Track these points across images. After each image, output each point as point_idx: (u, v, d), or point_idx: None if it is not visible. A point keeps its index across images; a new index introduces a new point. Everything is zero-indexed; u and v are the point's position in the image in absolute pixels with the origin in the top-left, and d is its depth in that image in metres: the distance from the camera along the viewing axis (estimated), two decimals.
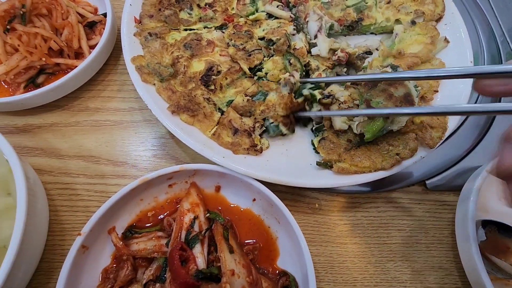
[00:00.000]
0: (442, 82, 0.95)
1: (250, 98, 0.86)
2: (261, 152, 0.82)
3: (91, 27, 1.03)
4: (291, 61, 0.93)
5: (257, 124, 0.84)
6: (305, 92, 0.87)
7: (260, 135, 0.86)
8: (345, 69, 0.98)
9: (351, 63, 0.99)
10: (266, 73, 0.92)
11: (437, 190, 0.93)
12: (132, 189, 0.74)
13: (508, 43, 1.25)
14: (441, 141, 0.80)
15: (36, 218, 0.70)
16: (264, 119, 0.85)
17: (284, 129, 0.84)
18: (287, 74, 0.87)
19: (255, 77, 0.93)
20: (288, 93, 0.84)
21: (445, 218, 0.89)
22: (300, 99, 0.86)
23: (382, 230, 0.87)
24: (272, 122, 0.84)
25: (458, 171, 0.95)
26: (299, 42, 0.95)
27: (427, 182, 0.93)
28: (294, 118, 0.87)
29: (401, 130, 0.81)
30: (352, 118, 0.84)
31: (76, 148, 0.90)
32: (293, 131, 0.87)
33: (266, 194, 0.76)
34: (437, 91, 0.93)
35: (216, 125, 0.85)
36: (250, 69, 0.92)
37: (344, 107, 0.84)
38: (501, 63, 1.22)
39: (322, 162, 0.80)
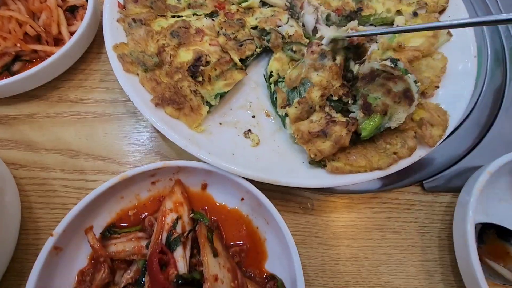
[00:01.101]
0: (444, 77, 0.90)
1: (299, 98, 0.78)
2: (357, 123, 0.75)
3: (73, 11, 0.96)
4: (293, 49, 0.87)
5: (327, 109, 0.77)
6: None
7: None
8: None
9: (358, 46, 0.93)
10: (280, 77, 0.87)
11: (435, 191, 0.89)
12: (112, 186, 0.69)
13: None
14: (442, 140, 0.75)
15: (4, 214, 0.65)
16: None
17: (349, 101, 0.78)
18: (311, 47, 0.78)
19: (272, 87, 0.88)
20: (333, 60, 0.76)
21: (443, 221, 0.85)
22: (338, 59, 0.78)
23: (377, 232, 0.83)
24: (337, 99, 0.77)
25: (457, 172, 0.91)
26: (290, 28, 0.89)
27: (424, 182, 0.89)
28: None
29: (399, 128, 0.76)
30: (348, 114, 0.79)
31: (54, 141, 0.84)
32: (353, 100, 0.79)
33: (254, 194, 0.71)
34: (438, 87, 0.88)
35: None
36: (241, 60, 0.87)
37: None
38: (505, 58, 1.17)
39: (315, 160, 0.75)
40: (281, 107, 0.83)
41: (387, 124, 0.74)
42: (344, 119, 0.75)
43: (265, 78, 0.92)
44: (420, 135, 0.75)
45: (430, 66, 0.93)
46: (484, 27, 1.21)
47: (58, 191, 0.79)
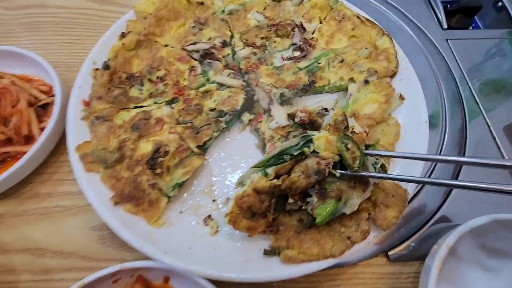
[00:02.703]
0: (397, 145, 0.93)
1: (277, 183, 0.72)
2: (277, 232, 0.76)
3: (44, 107, 1.03)
4: (348, 146, 0.75)
5: (273, 200, 0.76)
6: None
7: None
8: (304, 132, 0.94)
9: (312, 122, 0.97)
10: (313, 151, 0.76)
11: (401, 260, 0.88)
12: None
13: (467, 82, 1.23)
14: (396, 221, 0.76)
15: None
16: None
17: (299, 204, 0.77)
18: (325, 162, 0.72)
19: (298, 150, 0.76)
20: (316, 179, 0.72)
21: None
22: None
23: None
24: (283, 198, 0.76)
25: (423, 237, 0.91)
26: (357, 126, 0.81)
27: (389, 253, 0.88)
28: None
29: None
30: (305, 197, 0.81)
31: (22, 240, 0.87)
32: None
33: None
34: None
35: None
36: (199, 146, 0.91)
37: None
38: (462, 100, 1.20)
39: (270, 250, 0.76)
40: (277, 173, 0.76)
41: (342, 210, 0.75)
42: (271, 219, 0.76)
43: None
44: (373, 217, 0.76)
45: (384, 133, 0.96)
46: (439, 76, 1.25)
47: None
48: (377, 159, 0.85)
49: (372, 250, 0.88)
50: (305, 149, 0.76)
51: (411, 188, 0.82)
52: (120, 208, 0.80)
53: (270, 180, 0.73)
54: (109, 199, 0.81)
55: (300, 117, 0.91)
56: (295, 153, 0.75)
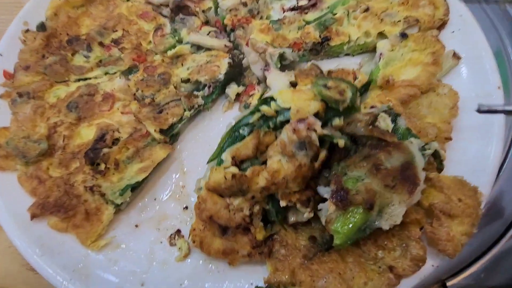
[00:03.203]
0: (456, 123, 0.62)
1: (238, 168, 0.52)
2: (269, 255, 0.52)
3: None
4: (328, 84, 0.52)
5: (255, 208, 0.52)
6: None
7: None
8: None
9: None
10: (278, 111, 0.55)
11: None
12: None
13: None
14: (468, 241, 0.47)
15: None
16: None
17: (304, 212, 0.51)
18: (303, 124, 0.49)
19: (254, 116, 0.55)
20: (310, 161, 0.50)
21: None
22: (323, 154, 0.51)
23: None
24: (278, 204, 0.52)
25: (494, 260, 0.61)
26: None
27: (447, 283, 0.59)
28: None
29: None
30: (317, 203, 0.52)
31: None
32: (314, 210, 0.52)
33: None
34: (450, 139, 0.60)
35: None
36: (165, 130, 0.63)
37: None
38: None
39: (266, 287, 0.48)
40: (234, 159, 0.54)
41: (376, 223, 0.47)
42: (261, 236, 0.51)
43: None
44: (430, 236, 0.47)
45: (434, 107, 0.66)
46: (504, 33, 0.92)
47: None
48: (426, 143, 0.56)
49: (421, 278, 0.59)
50: (264, 107, 0.53)
51: (484, 184, 0.52)
52: (42, 224, 0.54)
53: (226, 168, 0.51)
54: (27, 210, 0.54)
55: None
56: (251, 121, 0.54)
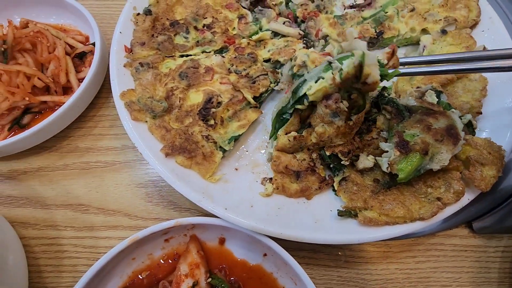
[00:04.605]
0: (485, 101, 0.80)
1: (297, 134, 0.70)
2: (332, 184, 0.72)
3: (81, 57, 0.94)
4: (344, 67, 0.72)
5: (314, 155, 0.73)
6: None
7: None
8: None
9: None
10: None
11: (487, 233, 0.77)
12: (121, 250, 0.63)
13: None
14: (495, 180, 0.64)
15: (7, 278, 0.60)
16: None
17: (344, 161, 0.70)
18: (331, 100, 0.64)
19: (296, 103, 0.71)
20: (344, 122, 0.67)
21: (500, 269, 0.73)
22: (356, 116, 0.67)
23: (422, 287, 0.71)
24: (331, 154, 0.71)
25: (504, 212, 0.78)
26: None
27: (473, 223, 0.77)
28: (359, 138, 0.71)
29: (442, 168, 0.66)
30: (378, 154, 0.70)
31: (64, 195, 0.80)
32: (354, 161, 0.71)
33: (278, 252, 0.63)
34: (481, 113, 0.78)
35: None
36: (255, 98, 0.80)
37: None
38: None
39: (344, 210, 0.66)
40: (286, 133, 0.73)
41: (428, 166, 0.64)
42: (324, 173, 0.71)
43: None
44: (468, 177, 0.65)
45: (467, 89, 0.83)
46: None
47: (67, 251, 0.74)
48: (462, 115, 0.73)
49: (452, 219, 0.77)
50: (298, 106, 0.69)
51: (507, 146, 0.70)
52: (172, 160, 0.72)
53: (287, 136, 0.70)
54: (160, 150, 0.72)
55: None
56: (290, 111, 0.72)
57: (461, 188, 0.64)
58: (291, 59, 0.78)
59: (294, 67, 0.74)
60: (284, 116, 0.74)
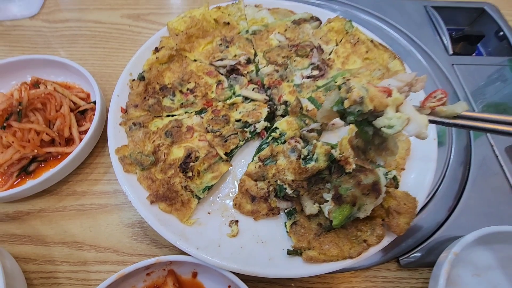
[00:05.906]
0: (408, 159, 1.01)
1: (262, 163, 0.95)
2: (278, 214, 0.91)
3: (83, 113, 1.12)
4: (306, 122, 1.03)
5: (271, 188, 0.93)
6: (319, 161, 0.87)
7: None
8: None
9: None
10: (281, 134, 1.01)
11: (411, 267, 0.95)
12: (109, 284, 0.78)
13: (472, 104, 1.32)
14: (408, 227, 0.83)
15: None
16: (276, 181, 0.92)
17: (289, 191, 0.88)
18: (293, 140, 0.94)
19: (269, 138, 1.02)
20: (296, 159, 0.88)
21: None
22: (310, 165, 0.86)
23: None
24: (282, 184, 0.89)
25: (432, 246, 0.98)
26: (309, 104, 1.07)
27: (400, 259, 0.95)
28: (309, 181, 0.89)
29: (369, 215, 0.85)
30: (322, 202, 0.89)
31: (61, 234, 0.94)
32: (298, 195, 0.89)
33: (238, 285, 0.78)
34: (404, 169, 0.98)
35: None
36: (226, 153, 0.99)
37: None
38: None
39: (293, 250, 0.83)
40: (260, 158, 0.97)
41: (356, 214, 0.83)
42: (274, 204, 0.91)
43: (266, 130, 1.07)
44: (387, 224, 0.84)
45: None
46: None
47: (62, 283, 0.87)
48: (389, 171, 0.94)
49: (383, 256, 0.95)
50: (273, 134, 1.01)
51: (420, 198, 0.90)
52: (155, 207, 0.88)
53: (256, 163, 0.96)
54: (146, 198, 0.88)
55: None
56: (267, 141, 1.02)
57: (381, 233, 0.83)
58: (339, 88, 0.71)
59: (345, 101, 0.68)
60: (263, 147, 1.01)
